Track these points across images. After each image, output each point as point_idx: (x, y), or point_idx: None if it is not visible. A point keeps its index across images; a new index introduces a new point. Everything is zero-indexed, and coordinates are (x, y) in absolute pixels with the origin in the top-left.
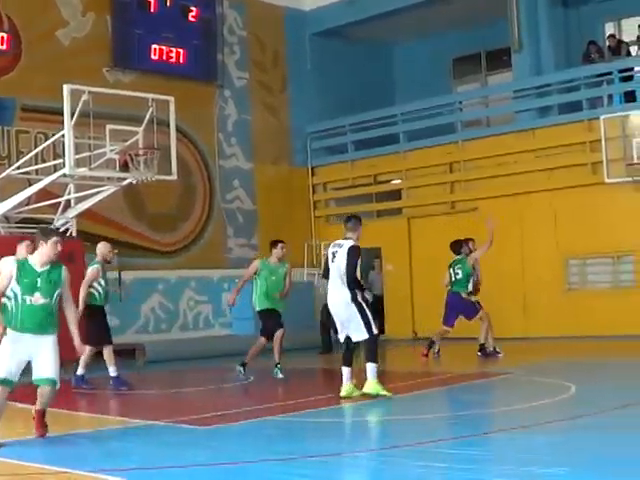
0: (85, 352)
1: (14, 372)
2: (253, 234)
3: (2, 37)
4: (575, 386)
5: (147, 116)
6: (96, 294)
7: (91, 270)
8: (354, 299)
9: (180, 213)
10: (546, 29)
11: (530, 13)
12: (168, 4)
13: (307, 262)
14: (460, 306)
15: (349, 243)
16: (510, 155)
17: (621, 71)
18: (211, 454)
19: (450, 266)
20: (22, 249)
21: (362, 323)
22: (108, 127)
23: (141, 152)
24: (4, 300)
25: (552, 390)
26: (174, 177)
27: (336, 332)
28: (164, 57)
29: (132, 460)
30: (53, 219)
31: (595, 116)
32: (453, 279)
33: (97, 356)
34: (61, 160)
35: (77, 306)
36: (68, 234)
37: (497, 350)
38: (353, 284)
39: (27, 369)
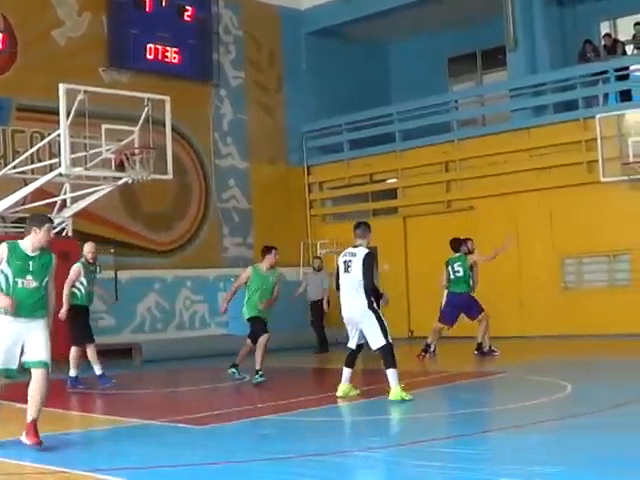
0: (71, 353)
1: (11, 360)
2: (249, 233)
3: None
4: (571, 385)
5: (143, 116)
6: (77, 293)
7: (72, 269)
8: (370, 306)
9: (176, 212)
10: (541, 28)
11: (525, 12)
12: (164, 4)
13: (303, 261)
14: (464, 305)
15: (362, 251)
16: (506, 154)
17: (617, 70)
18: (208, 453)
19: (448, 264)
20: None
21: (379, 330)
22: (104, 127)
23: (137, 151)
24: None
25: (548, 389)
26: (170, 176)
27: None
28: (160, 57)
29: (129, 459)
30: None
31: (591, 115)
32: (452, 277)
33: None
34: (57, 160)
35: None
36: (64, 234)
37: (493, 349)
38: (371, 292)
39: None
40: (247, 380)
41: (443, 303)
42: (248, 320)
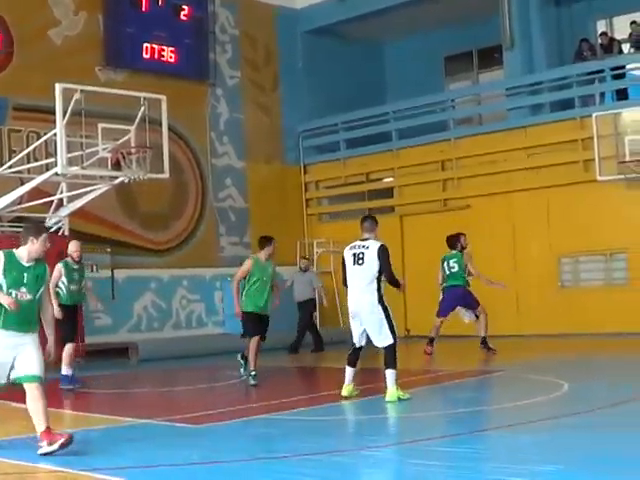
0: (63, 352)
1: (2, 375)
2: (245, 232)
3: None
4: (568, 384)
5: (139, 115)
6: (60, 293)
7: (55, 269)
8: (380, 301)
9: (172, 212)
10: (538, 27)
11: (522, 11)
12: (160, 3)
13: (300, 260)
14: (460, 298)
15: (376, 243)
16: (502, 153)
17: (613, 69)
18: (205, 453)
19: (443, 261)
20: None
21: (387, 327)
22: (100, 126)
23: (133, 151)
24: None
25: (545, 388)
26: (166, 176)
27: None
28: (156, 56)
29: (126, 459)
30: (45, 218)
31: (587, 114)
32: (448, 272)
33: (86, 355)
34: (53, 159)
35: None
36: (60, 233)
37: (489, 346)
38: (395, 283)
39: None
40: (244, 379)
41: (440, 298)
42: (246, 314)
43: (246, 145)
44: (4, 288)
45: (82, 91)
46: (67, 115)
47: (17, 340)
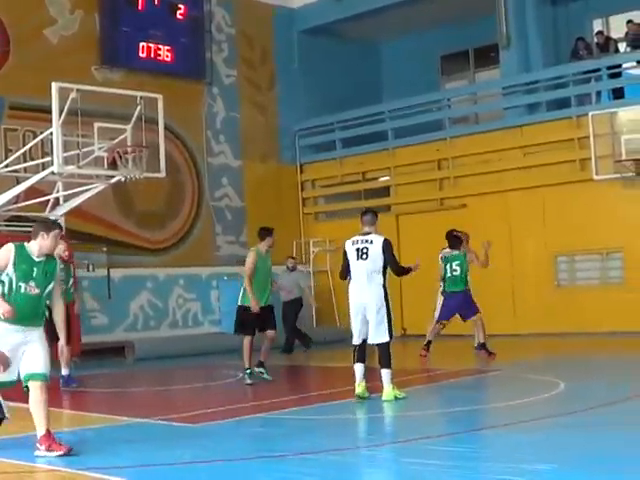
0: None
1: (12, 369)
2: (242, 231)
3: None
4: (564, 383)
5: (135, 114)
6: None
7: None
8: (385, 298)
9: (169, 211)
10: (534, 26)
11: (518, 10)
12: (156, 2)
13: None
14: (461, 305)
15: (379, 237)
16: (498, 152)
17: (609, 68)
18: (203, 452)
19: (447, 261)
20: None
21: (386, 325)
22: (96, 125)
23: (129, 150)
24: None
25: (541, 387)
26: (162, 175)
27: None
28: (152, 55)
29: (123, 458)
30: (42, 217)
31: (583, 113)
32: (449, 275)
33: (82, 354)
34: (49, 158)
35: None
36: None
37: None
38: (401, 274)
39: None
40: (240, 378)
41: (440, 302)
42: (241, 309)
43: (242, 144)
44: (13, 281)
45: (78, 90)
46: (63, 114)
47: (24, 335)
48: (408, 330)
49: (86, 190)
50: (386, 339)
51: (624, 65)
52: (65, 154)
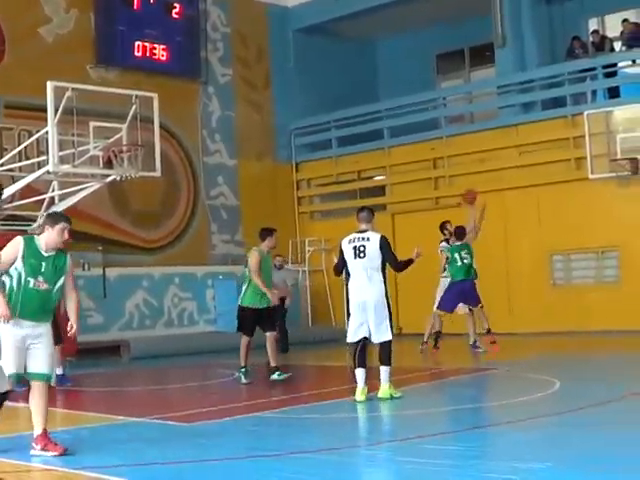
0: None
1: (22, 363)
2: (237, 230)
3: None
4: (559, 381)
5: (131, 113)
6: None
7: None
8: (386, 296)
9: (164, 210)
10: (529, 25)
11: (513, 9)
12: (151, 1)
13: (291, 258)
14: (466, 293)
15: (376, 234)
16: (494, 151)
17: (605, 67)
18: (198, 451)
19: (455, 250)
20: None
21: (388, 323)
22: (92, 124)
23: (125, 149)
24: (4, 279)
25: (537, 386)
26: (158, 174)
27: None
28: (148, 54)
29: (118, 457)
30: (37, 216)
31: (579, 112)
32: (460, 263)
33: (78, 353)
34: (45, 157)
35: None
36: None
37: (478, 345)
38: (401, 269)
39: None
40: (235, 377)
41: (442, 290)
42: (247, 309)
43: (238, 143)
44: (22, 276)
45: (74, 89)
46: (59, 113)
47: (32, 330)
48: (404, 329)
49: (81, 189)
50: (389, 337)
51: (619, 64)
52: (60, 153)
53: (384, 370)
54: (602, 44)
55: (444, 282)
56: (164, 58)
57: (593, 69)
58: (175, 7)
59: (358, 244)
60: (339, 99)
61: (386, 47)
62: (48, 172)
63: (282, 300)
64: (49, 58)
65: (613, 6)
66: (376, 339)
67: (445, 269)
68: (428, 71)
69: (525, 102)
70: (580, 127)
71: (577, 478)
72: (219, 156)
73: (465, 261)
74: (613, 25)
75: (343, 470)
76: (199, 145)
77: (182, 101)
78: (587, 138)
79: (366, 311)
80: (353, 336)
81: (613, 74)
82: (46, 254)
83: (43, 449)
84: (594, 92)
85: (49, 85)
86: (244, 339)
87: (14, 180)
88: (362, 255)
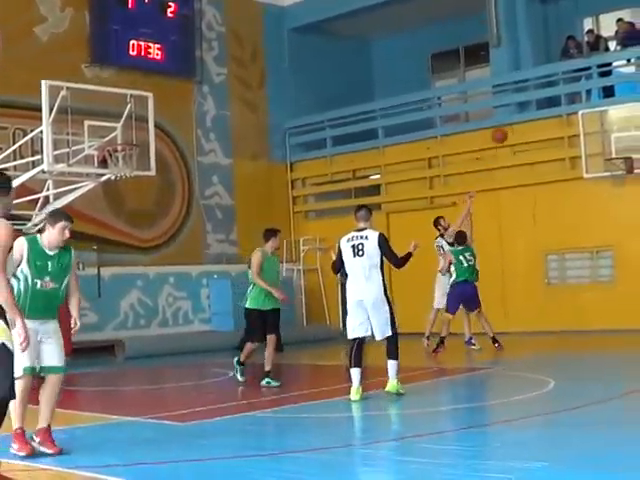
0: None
1: (34, 357)
2: (232, 230)
3: None
4: (554, 381)
5: (125, 112)
6: None
7: None
8: (385, 292)
9: (159, 209)
10: (524, 24)
11: (508, 8)
12: (146, 0)
13: (286, 258)
14: (468, 295)
15: (374, 233)
16: (489, 150)
17: (599, 66)
18: (192, 450)
19: (459, 253)
20: None
21: (389, 319)
22: (86, 123)
23: (119, 148)
24: (12, 281)
25: (531, 385)
26: (153, 173)
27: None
28: (142, 53)
29: (112, 456)
30: (32, 215)
31: (573, 111)
32: (465, 265)
33: (72, 353)
34: (40, 156)
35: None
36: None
37: (473, 342)
38: (401, 265)
39: None
40: (230, 377)
41: (441, 287)
42: (253, 311)
43: (233, 142)
44: (29, 278)
45: (68, 88)
46: (53, 112)
47: (41, 326)
48: (399, 328)
49: (76, 188)
50: (389, 333)
51: (614, 63)
52: (55, 152)
53: (392, 364)
54: (597, 43)
55: (443, 280)
56: (159, 57)
57: (588, 68)
58: (170, 6)
59: (357, 242)
60: (334, 98)
61: (381, 46)
62: (43, 171)
63: None
64: (44, 57)
65: (608, 6)
66: (379, 336)
67: (449, 270)
68: (423, 70)
69: (520, 101)
70: (575, 126)
71: (573, 477)
72: (214, 155)
73: (470, 263)
74: (608, 25)
75: (339, 469)
76: (194, 144)
77: (177, 100)
78: (582, 137)
79: (365, 310)
80: (352, 333)
81: (608, 73)
82: (51, 253)
83: (41, 444)
84: (589, 91)
85: (44, 84)
86: (251, 344)
87: None
88: (361, 253)
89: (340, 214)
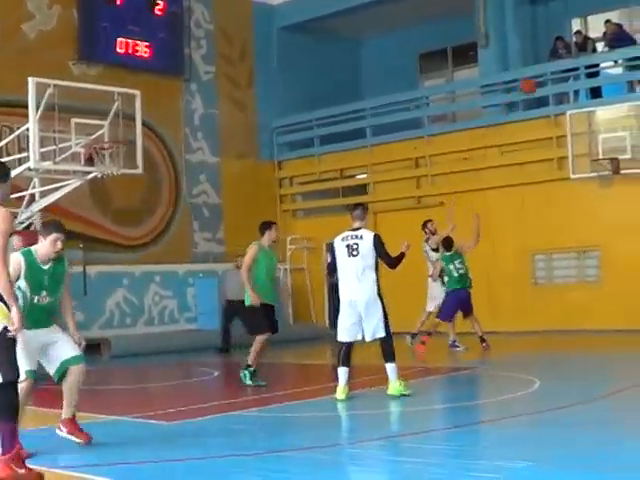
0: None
1: (36, 362)
2: (219, 229)
3: None
4: (540, 381)
5: (113, 110)
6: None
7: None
8: (379, 292)
9: (146, 207)
10: (513, 24)
11: (497, 8)
12: None
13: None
14: (464, 301)
15: (369, 233)
16: (476, 150)
17: (587, 67)
18: (178, 449)
19: (449, 260)
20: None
21: (382, 320)
22: (73, 121)
23: (106, 146)
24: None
25: (517, 385)
26: (140, 171)
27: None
28: (130, 50)
29: (98, 456)
30: (17, 213)
31: (561, 112)
32: (456, 274)
33: None
34: (26, 154)
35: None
36: (32, 228)
37: (457, 344)
38: (395, 265)
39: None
40: (216, 376)
41: (433, 292)
42: (248, 311)
43: (220, 141)
44: (27, 294)
45: (55, 86)
46: (40, 110)
47: (41, 333)
48: (391, 329)
49: (62, 186)
50: (382, 334)
51: (602, 65)
52: (42, 150)
53: (390, 367)
54: (585, 44)
55: (436, 286)
56: (147, 55)
57: (576, 69)
58: (158, 4)
59: (351, 242)
60: (322, 97)
61: (369, 46)
62: (29, 169)
63: (240, 302)
64: (31, 54)
65: (596, 7)
66: (369, 337)
67: (440, 276)
68: (411, 70)
69: (508, 102)
70: (562, 127)
71: (559, 477)
72: (201, 154)
73: (461, 271)
74: (596, 26)
75: (325, 469)
76: (181, 142)
77: (165, 98)
78: (569, 138)
79: (357, 310)
80: (343, 335)
81: (595, 74)
82: (45, 266)
83: (70, 433)
84: (576, 92)
85: (31, 81)
86: (262, 337)
87: None
88: (355, 253)
89: (327, 213)
